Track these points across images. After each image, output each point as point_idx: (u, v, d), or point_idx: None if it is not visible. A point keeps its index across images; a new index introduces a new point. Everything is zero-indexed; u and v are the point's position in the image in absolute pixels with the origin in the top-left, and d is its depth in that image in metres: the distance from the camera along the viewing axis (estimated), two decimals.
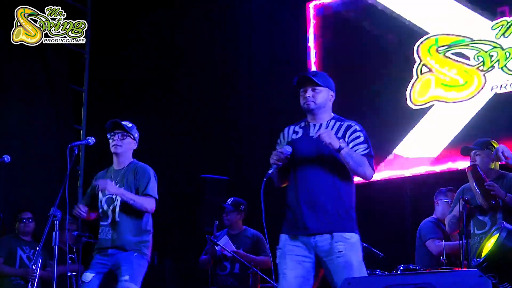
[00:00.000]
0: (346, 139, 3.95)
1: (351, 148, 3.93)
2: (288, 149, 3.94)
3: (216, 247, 6.13)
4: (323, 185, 3.89)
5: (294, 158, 3.95)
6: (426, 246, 5.90)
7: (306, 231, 3.87)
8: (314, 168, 3.92)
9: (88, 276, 4.61)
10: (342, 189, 3.94)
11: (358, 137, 3.99)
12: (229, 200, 6.45)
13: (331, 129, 3.98)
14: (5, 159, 5.02)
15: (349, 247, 3.85)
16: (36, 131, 8.25)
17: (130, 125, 4.93)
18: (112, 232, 4.71)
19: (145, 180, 4.78)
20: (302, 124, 4.11)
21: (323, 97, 4.01)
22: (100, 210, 4.81)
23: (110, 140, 4.85)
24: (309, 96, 3.98)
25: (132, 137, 4.91)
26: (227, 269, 6.18)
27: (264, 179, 3.88)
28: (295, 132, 4.08)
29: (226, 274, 6.18)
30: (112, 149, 4.83)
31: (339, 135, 3.96)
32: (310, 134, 4.01)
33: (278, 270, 3.95)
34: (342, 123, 4.04)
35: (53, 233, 4.18)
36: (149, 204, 4.73)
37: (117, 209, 4.72)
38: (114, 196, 4.73)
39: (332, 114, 4.09)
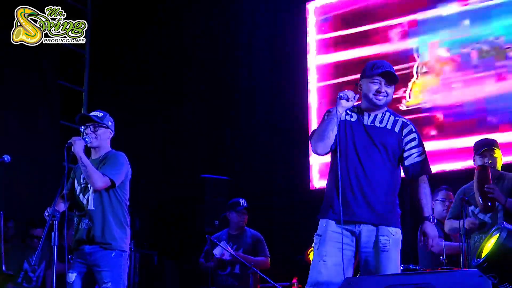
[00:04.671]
0: (403, 137, 3.91)
1: (406, 150, 3.90)
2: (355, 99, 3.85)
3: (215, 251, 6.11)
4: (376, 175, 3.81)
5: (347, 142, 3.86)
6: None
7: (354, 218, 3.76)
8: (367, 157, 3.82)
9: (71, 276, 4.53)
10: (391, 183, 3.89)
11: (414, 139, 3.94)
12: (241, 201, 6.37)
13: (386, 123, 3.92)
14: (5, 159, 4.98)
15: (393, 242, 3.81)
16: (36, 131, 8.25)
17: (100, 114, 4.78)
18: (87, 222, 4.59)
19: (110, 163, 4.65)
20: (355, 109, 3.96)
21: (391, 96, 3.95)
22: (76, 200, 4.70)
23: (84, 134, 4.71)
24: (384, 92, 3.89)
25: (105, 126, 4.77)
26: (227, 269, 6.18)
27: (340, 94, 3.82)
28: (349, 115, 3.94)
29: (226, 274, 6.18)
30: (89, 144, 4.68)
31: (396, 129, 3.92)
32: (365, 123, 3.90)
33: (314, 256, 3.82)
34: (397, 118, 3.97)
35: (52, 233, 4.15)
36: (99, 178, 4.52)
37: (91, 198, 4.62)
38: (88, 186, 4.63)
39: (385, 107, 3.99)
